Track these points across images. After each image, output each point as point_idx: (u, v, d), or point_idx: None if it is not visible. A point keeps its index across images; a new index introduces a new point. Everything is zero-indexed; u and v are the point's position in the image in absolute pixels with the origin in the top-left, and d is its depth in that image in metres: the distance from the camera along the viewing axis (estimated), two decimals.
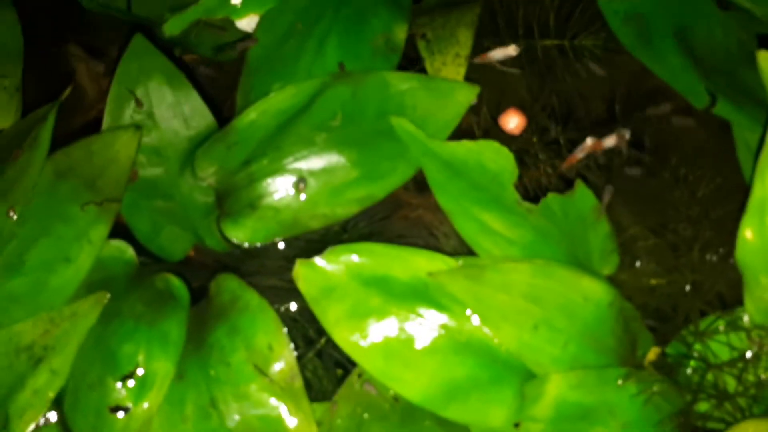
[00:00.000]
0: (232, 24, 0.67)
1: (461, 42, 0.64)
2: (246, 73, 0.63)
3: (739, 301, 0.55)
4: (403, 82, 0.61)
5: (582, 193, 0.59)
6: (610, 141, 0.63)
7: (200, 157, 0.59)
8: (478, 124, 0.65)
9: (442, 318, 0.55)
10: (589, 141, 0.62)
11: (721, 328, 0.55)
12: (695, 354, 0.55)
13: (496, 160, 0.59)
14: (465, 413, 0.53)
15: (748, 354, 0.54)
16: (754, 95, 0.62)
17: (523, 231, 0.58)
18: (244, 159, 0.59)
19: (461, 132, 0.63)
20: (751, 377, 0.54)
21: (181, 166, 0.62)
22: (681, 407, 0.54)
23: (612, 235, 0.59)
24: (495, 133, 0.65)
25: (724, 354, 0.55)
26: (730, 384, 0.54)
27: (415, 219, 0.64)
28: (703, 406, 0.54)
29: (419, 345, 0.53)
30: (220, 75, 0.70)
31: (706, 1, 0.67)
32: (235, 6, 0.66)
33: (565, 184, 0.61)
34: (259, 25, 0.65)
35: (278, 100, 0.60)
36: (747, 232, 0.45)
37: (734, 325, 0.55)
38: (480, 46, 0.66)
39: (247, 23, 0.66)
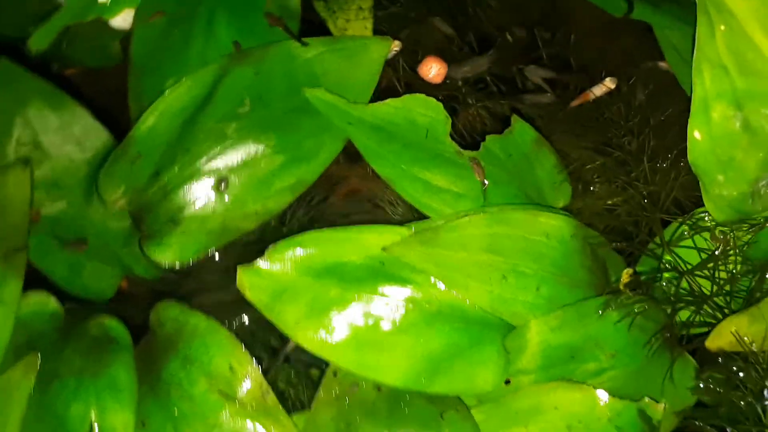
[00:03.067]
0: (105, 25, 0.60)
1: None
2: (133, 75, 0.56)
3: (696, 204, 0.54)
4: (308, 50, 0.56)
5: (520, 128, 0.56)
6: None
7: (103, 180, 0.53)
8: (398, 79, 0.61)
9: (406, 292, 0.51)
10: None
11: (686, 233, 0.53)
12: (666, 265, 0.53)
13: (425, 113, 0.55)
14: (452, 384, 0.50)
15: (716, 253, 0.53)
16: None
17: (470, 182, 0.54)
18: (152, 171, 0.53)
19: (383, 91, 0.59)
20: (723, 274, 0.53)
21: (86, 194, 0.56)
22: (664, 322, 0.53)
23: (559, 165, 0.57)
24: (418, 85, 0.61)
25: (694, 258, 0.54)
26: (706, 286, 0.54)
27: (355, 193, 0.59)
28: (684, 315, 0.54)
29: (389, 326, 0.50)
30: (108, 83, 0.63)
31: None
32: (104, 4, 0.59)
33: (502, 124, 0.58)
34: (137, 18, 0.58)
35: (175, 97, 0.53)
36: (695, 133, 0.43)
37: (697, 227, 0.54)
38: None
39: (122, 20, 0.59)
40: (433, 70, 0.61)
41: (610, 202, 0.57)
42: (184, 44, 0.56)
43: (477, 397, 0.50)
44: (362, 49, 0.57)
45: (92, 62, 0.62)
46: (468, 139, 0.59)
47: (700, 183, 0.48)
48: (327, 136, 0.55)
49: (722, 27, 0.40)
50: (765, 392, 0.50)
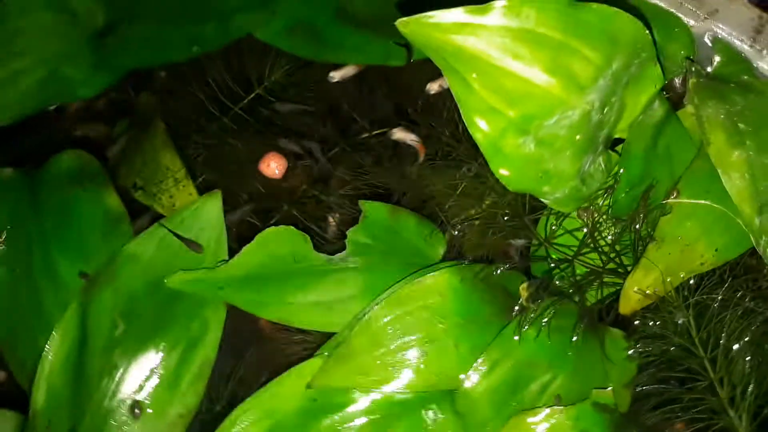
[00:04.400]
0: None
1: (171, 166, 0.59)
2: (7, 351, 0.56)
3: None
4: (149, 243, 0.56)
5: (371, 208, 0.58)
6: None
7: None
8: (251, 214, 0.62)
9: (349, 412, 0.52)
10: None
11: (554, 224, 0.56)
12: (554, 263, 0.56)
13: (282, 241, 0.56)
14: None
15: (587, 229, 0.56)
16: None
17: (353, 280, 0.56)
18: (68, 431, 0.53)
19: (241, 228, 0.60)
20: (602, 242, 0.56)
21: None
22: (577, 312, 0.55)
23: (421, 220, 0.59)
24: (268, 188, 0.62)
25: (574, 241, 0.57)
26: (597, 260, 0.56)
27: (261, 336, 0.60)
28: (591, 296, 0.56)
29: None
30: None
31: None
32: None
33: (355, 208, 0.60)
34: None
35: (54, 354, 0.53)
36: (501, 171, 0.46)
37: (561, 213, 0.57)
38: (185, 151, 0.62)
39: None
40: (273, 166, 0.62)
41: (479, 226, 0.59)
42: (36, 299, 0.56)
43: None
44: (197, 214, 0.57)
45: None
46: (339, 232, 0.61)
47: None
48: (207, 310, 0.56)
49: (473, 74, 0.43)
50: (686, 327, 0.53)
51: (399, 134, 0.62)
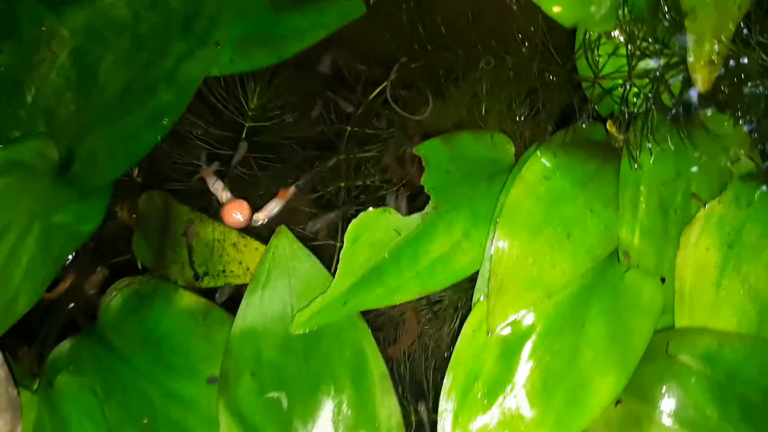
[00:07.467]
0: None
1: (219, 236, 0.54)
2: None
3: None
4: (254, 312, 0.51)
5: (427, 149, 0.55)
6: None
7: None
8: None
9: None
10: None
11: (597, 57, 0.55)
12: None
13: (372, 227, 0.53)
14: None
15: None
16: None
17: (457, 218, 0.53)
18: None
19: None
20: (644, 45, 0.55)
21: None
22: (665, 116, 0.54)
23: (476, 132, 0.57)
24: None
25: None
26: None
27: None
28: (666, 99, 0.55)
29: None
30: None
31: None
32: None
33: None
34: None
35: None
36: (555, 9, 0.44)
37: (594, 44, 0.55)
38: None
39: None
40: (237, 215, 0.56)
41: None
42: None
43: None
44: (276, 259, 0.53)
45: None
46: None
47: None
48: (347, 332, 0.51)
49: None
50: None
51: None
